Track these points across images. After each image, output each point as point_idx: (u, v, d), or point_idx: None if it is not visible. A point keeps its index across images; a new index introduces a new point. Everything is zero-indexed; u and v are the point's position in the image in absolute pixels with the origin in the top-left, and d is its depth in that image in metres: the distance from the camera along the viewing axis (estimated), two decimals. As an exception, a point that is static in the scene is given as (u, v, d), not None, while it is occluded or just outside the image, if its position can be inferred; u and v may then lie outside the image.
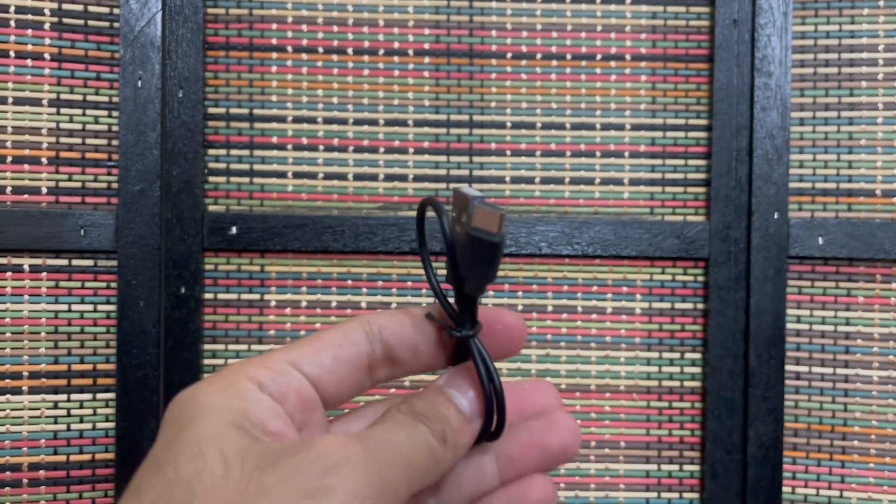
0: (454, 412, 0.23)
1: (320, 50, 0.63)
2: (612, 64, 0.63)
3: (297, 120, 0.63)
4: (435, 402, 0.23)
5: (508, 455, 0.25)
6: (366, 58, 0.63)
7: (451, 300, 0.24)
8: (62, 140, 0.60)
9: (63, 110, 0.60)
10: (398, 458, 0.21)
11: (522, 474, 0.25)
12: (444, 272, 0.24)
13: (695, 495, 0.63)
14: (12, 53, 0.59)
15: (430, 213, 0.24)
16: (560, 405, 0.26)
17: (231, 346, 0.62)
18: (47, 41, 0.60)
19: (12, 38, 0.59)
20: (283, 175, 0.63)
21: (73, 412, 0.60)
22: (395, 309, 0.23)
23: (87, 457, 0.60)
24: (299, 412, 0.22)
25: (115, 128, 0.60)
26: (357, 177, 0.63)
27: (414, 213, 0.61)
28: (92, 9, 0.60)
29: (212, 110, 0.62)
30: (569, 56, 0.63)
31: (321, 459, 0.20)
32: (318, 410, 0.23)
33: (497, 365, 0.24)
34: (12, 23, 0.59)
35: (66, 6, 0.60)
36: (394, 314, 0.24)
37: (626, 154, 0.63)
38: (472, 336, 0.23)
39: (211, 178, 0.62)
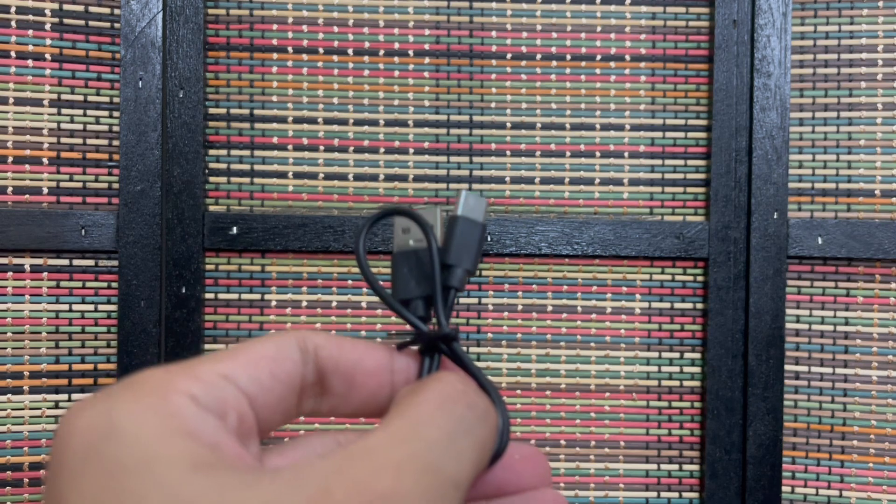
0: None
1: (321, 50, 0.63)
2: (612, 64, 0.63)
3: (297, 120, 0.63)
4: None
5: None
6: (366, 58, 0.63)
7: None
8: (63, 140, 0.60)
9: (64, 111, 0.60)
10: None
11: None
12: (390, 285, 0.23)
13: (694, 495, 0.63)
14: (13, 54, 0.59)
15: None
16: (550, 482, 0.21)
17: (232, 346, 0.62)
18: (48, 41, 0.60)
19: (13, 38, 0.59)
20: (283, 175, 0.63)
21: (74, 412, 0.60)
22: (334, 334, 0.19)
23: (88, 456, 0.60)
24: (237, 436, 0.17)
25: (115, 128, 0.61)
26: (357, 177, 0.63)
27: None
28: (93, 9, 0.60)
29: (212, 111, 0.62)
30: (569, 56, 0.63)
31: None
32: (254, 437, 0.18)
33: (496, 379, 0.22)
34: (13, 23, 0.59)
35: (66, 7, 0.60)
36: (332, 335, 0.20)
37: (626, 154, 0.63)
38: (456, 337, 0.21)
39: (212, 179, 0.62)
